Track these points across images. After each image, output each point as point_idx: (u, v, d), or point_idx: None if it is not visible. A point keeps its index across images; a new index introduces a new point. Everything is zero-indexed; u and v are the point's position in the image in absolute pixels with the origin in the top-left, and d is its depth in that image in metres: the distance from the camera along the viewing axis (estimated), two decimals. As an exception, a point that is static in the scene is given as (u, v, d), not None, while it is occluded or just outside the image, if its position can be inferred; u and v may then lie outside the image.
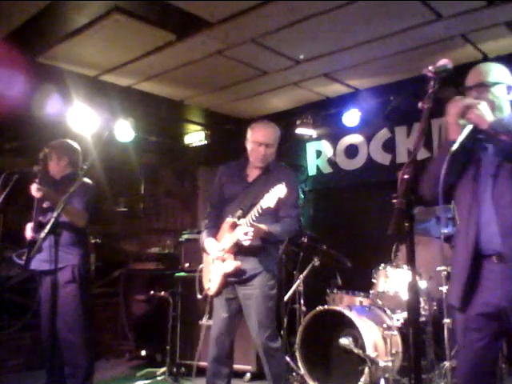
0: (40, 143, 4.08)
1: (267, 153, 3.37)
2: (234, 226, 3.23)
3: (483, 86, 2.26)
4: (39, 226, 3.64)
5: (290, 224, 3.33)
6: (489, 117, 2.13)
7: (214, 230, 3.43)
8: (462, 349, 2.31)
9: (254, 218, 3.11)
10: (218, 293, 3.34)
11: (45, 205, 3.71)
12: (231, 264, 3.24)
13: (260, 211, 3.06)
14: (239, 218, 3.20)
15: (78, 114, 4.97)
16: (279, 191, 2.98)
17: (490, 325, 2.18)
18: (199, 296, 3.58)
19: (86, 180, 3.82)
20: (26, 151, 5.45)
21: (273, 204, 3.00)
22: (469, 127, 2.11)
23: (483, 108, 2.13)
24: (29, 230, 3.76)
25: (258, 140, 3.36)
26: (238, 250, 3.24)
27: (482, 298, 2.18)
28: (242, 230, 3.11)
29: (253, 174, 3.45)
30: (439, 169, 2.06)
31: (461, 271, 2.23)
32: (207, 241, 3.40)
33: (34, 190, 3.61)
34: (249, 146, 3.44)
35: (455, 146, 2.07)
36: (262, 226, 3.17)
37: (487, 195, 2.19)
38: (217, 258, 3.33)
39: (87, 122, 4.99)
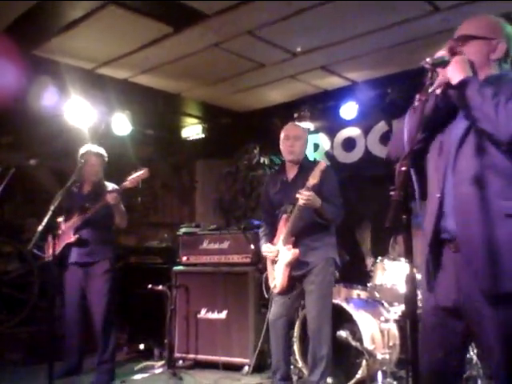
0: (36, 137, 4.07)
1: (294, 144, 3.64)
2: (288, 219, 3.51)
3: (460, 40, 2.01)
4: (84, 225, 4.07)
5: (337, 209, 3.59)
6: (463, 73, 1.88)
7: (270, 236, 3.72)
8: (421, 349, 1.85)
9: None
10: (283, 290, 3.53)
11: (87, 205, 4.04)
12: (289, 253, 3.47)
13: (309, 187, 3.30)
14: (292, 212, 3.46)
15: (74, 108, 4.95)
16: (320, 166, 3.31)
17: (449, 323, 1.97)
18: (266, 295, 3.80)
19: (115, 186, 4.15)
20: (22, 145, 5.43)
21: (317, 178, 3.27)
22: (441, 79, 1.91)
23: (459, 62, 1.90)
24: (70, 230, 4.10)
25: (286, 134, 3.69)
26: (300, 244, 3.49)
27: (440, 290, 1.98)
28: (303, 193, 3.30)
29: (291, 173, 3.72)
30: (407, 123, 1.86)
31: (422, 256, 2.04)
32: (263, 247, 3.72)
33: (113, 197, 3.92)
34: (281, 145, 3.72)
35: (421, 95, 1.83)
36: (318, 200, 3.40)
37: (449, 170, 1.97)
38: (272, 258, 3.60)
39: (84, 116, 4.97)
